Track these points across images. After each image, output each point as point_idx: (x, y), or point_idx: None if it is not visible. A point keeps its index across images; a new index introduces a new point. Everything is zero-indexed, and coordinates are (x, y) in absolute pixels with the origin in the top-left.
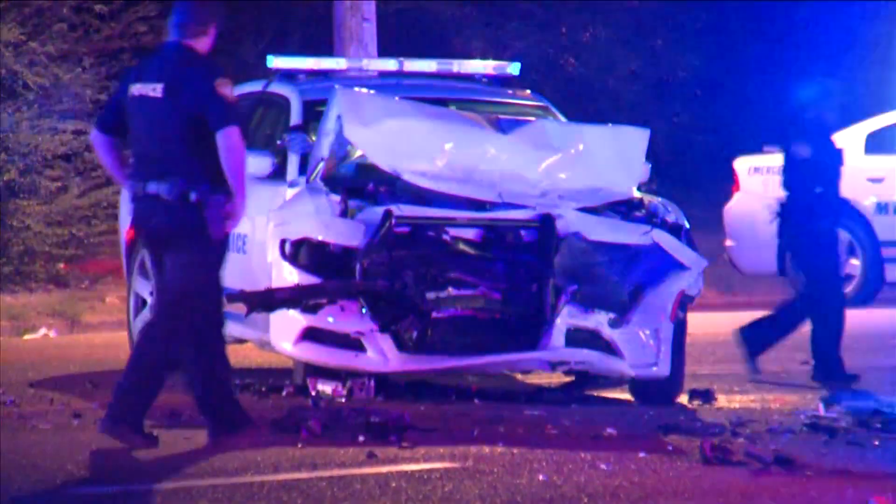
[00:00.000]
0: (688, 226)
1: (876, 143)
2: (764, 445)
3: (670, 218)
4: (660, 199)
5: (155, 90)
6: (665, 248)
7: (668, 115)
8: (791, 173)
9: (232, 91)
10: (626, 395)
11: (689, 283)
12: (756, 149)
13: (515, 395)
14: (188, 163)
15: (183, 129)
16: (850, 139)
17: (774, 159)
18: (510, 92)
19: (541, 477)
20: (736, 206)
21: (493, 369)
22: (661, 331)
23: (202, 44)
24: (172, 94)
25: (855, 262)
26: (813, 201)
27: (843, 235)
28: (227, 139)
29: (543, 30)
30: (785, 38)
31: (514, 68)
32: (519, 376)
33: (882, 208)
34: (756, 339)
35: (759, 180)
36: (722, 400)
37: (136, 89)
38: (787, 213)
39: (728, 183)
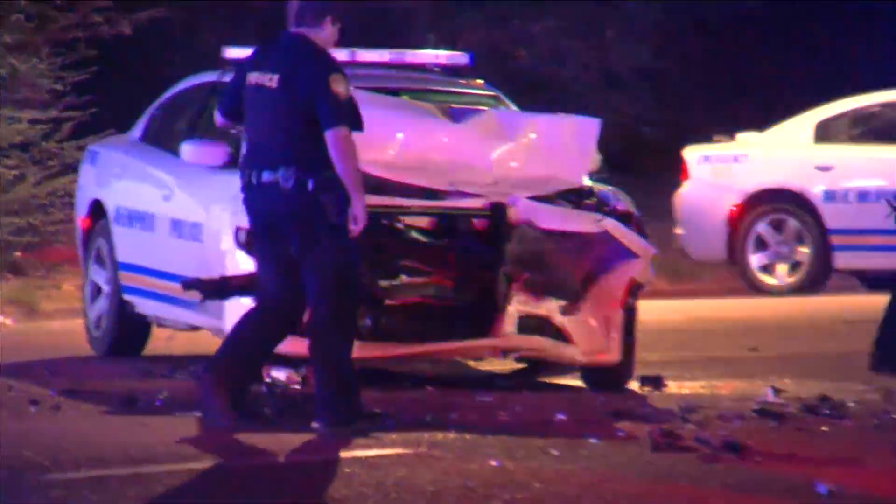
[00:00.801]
0: (638, 214)
1: (825, 132)
2: (713, 431)
3: (621, 206)
4: (610, 187)
5: (271, 80)
6: (615, 237)
7: (618, 105)
8: None
9: (347, 88)
10: (577, 382)
11: (639, 270)
12: (705, 138)
13: (467, 381)
14: (303, 152)
15: (297, 119)
16: (799, 128)
17: (723, 148)
18: (462, 82)
19: (493, 462)
20: (685, 195)
21: (446, 356)
22: (612, 318)
23: (320, 36)
24: (287, 85)
25: (803, 250)
26: None
27: (792, 223)
28: (334, 138)
29: (495, 21)
30: (732, 31)
31: (466, 58)
32: (471, 363)
33: (830, 196)
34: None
35: (708, 169)
36: (672, 386)
37: (254, 78)
38: None
39: (677, 172)
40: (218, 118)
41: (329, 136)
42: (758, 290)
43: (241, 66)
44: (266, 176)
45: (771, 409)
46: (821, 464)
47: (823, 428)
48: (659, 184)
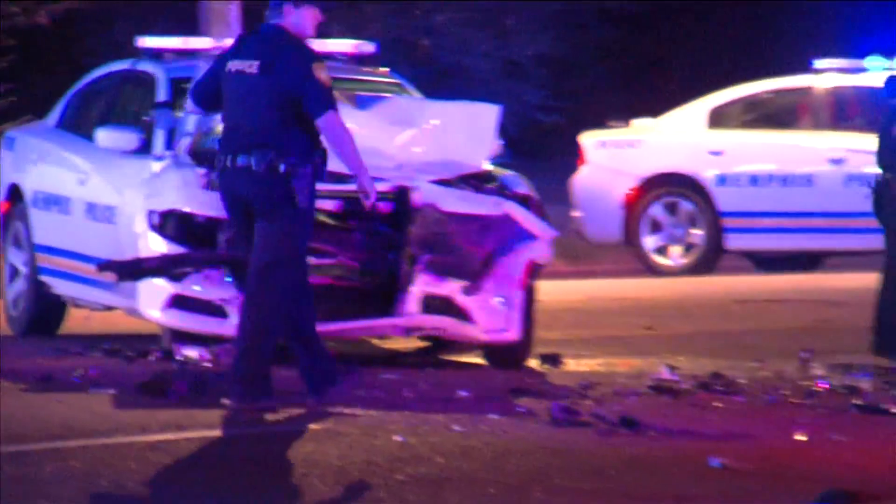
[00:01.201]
0: (537, 197)
1: (718, 118)
2: (610, 407)
3: (520, 190)
4: (510, 172)
5: (251, 67)
6: (515, 219)
7: (518, 92)
8: (887, 153)
9: (328, 75)
10: (478, 360)
11: (538, 252)
12: (602, 125)
13: (373, 359)
14: (279, 136)
15: (275, 104)
16: (693, 114)
17: (619, 134)
18: (368, 70)
19: (397, 438)
20: (582, 179)
21: (352, 335)
22: (512, 298)
23: (295, 27)
24: (267, 71)
25: (696, 232)
26: None
27: (686, 206)
28: (328, 123)
29: (399, 12)
30: (628, 20)
31: (371, 47)
32: (376, 342)
33: (722, 180)
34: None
35: (604, 154)
36: (570, 364)
37: (234, 65)
38: (883, 191)
39: (575, 157)
40: (189, 105)
41: (321, 121)
42: (652, 270)
43: (219, 57)
44: (241, 160)
45: (665, 385)
46: (714, 438)
47: (716, 404)
48: (557, 168)
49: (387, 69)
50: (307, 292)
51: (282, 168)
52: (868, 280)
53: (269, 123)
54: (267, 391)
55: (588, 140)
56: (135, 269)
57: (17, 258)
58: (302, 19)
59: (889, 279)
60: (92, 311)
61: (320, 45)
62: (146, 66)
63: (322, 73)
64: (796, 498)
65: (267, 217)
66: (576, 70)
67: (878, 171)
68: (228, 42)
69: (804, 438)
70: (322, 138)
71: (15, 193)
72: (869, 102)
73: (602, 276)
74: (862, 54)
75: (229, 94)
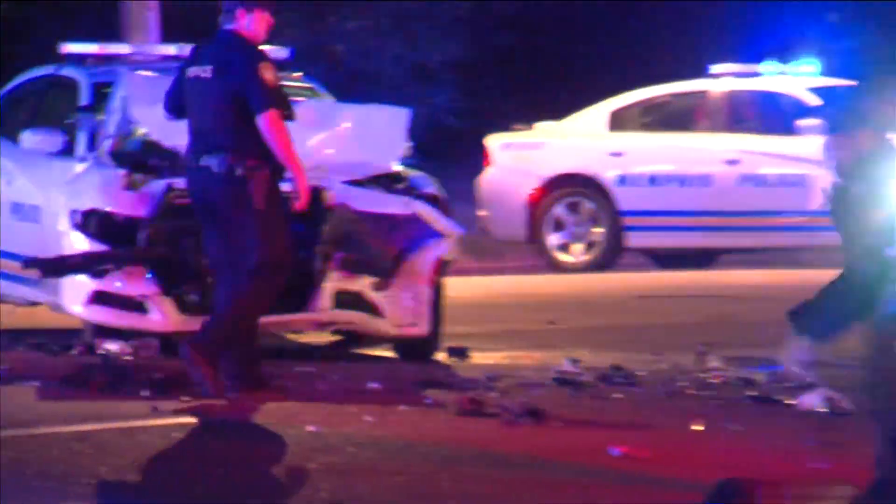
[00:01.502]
0: (445, 197)
1: (618, 121)
2: (515, 399)
3: (429, 190)
4: (419, 172)
5: (206, 71)
6: (424, 218)
7: (427, 96)
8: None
9: (274, 75)
10: (389, 353)
11: (446, 249)
12: (506, 127)
13: (288, 353)
14: (234, 139)
15: (229, 108)
16: (594, 117)
17: (523, 136)
18: (282, 75)
19: (310, 428)
20: (488, 179)
21: (268, 329)
22: (421, 293)
23: (248, 31)
24: (220, 75)
25: (598, 230)
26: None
27: (587, 205)
28: (266, 122)
29: (313, 19)
30: (533, 26)
31: (286, 52)
32: (291, 336)
33: (622, 180)
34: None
35: (509, 155)
36: (476, 357)
37: (192, 71)
38: (840, 197)
39: (481, 158)
40: (165, 114)
41: (260, 119)
42: (556, 267)
43: (182, 66)
44: (203, 160)
45: (568, 377)
46: (614, 428)
47: (616, 395)
48: (464, 169)
49: (300, 74)
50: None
51: (239, 171)
52: (760, 276)
53: (227, 126)
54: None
55: (493, 142)
56: (58, 266)
57: None
58: (254, 23)
59: (844, 276)
60: (17, 306)
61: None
62: (69, 72)
63: (268, 74)
64: (694, 485)
65: (226, 218)
66: (482, 75)
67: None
68: (148, 48)
69: (701, 428)
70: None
71: None
72: (762, 106)
73: (507, 272)
74: (756, 59)
75: (190, 99)
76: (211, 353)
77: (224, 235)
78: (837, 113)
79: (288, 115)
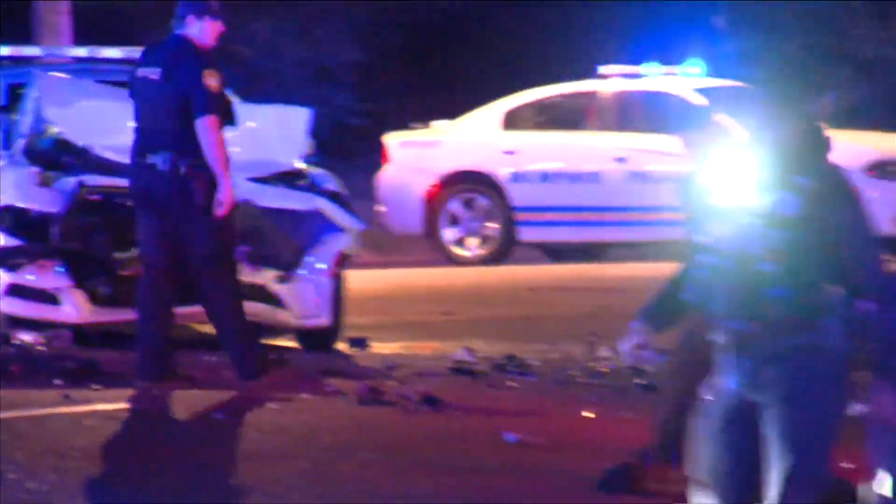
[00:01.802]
0: (345, 193)
1: (511, 120)
2: (413, 387)
3: (330, 187)
4: (321, 170)
5: (154, 73)
6: (325, 214)
7: (329, 96)
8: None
9: (218, 82)
10: (292, 343)
11: (346, 243)
12: (404, 126)
13: (196, 343)
14: (179, 139)
15: (175, 109)
16: (488, 116)
17: (420, 134)
18: None
19: (218, 416)
20: (386, 176)
21: (175, 320)
22: (323, 286)
23: (197, 37)
24: (167, 79)
25: (492, 225)
26: None
27: (482, 201)
28: (203, 126)
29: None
30: (430, 29)
31: None
32: (197, 326)
33: (515, 177)
34: None
35: (407, 153)
36: (376, 347)
37: (141, 72)
38: None
39: (379, 156)
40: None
41: (199, 123)
42: (451, 261)
43: (133, 67)
44: (149, 158)
45: (464, 367)
46: (508, 415)
47: (510, 384)
48: (364, 167)
49: None
50: (177, 275)
51: (182, 169)
52: (646, 269)
53: (172, 126)
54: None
55: (391, 140)
56: None
57: None
58: (203, 30)
59: None
60: None
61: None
62: None
63: (212, 80)
64: (585, 469)
65: (171, 215)
66: (381, 76)
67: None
68: (60, 50)
69: (592, 415)
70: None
71: None
72: (649, 106)
73: (405, 266)
74: (646, 60)
75: (138, 98)
76: (244, 349)
77: (167, 232)
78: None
79: (229, 121)
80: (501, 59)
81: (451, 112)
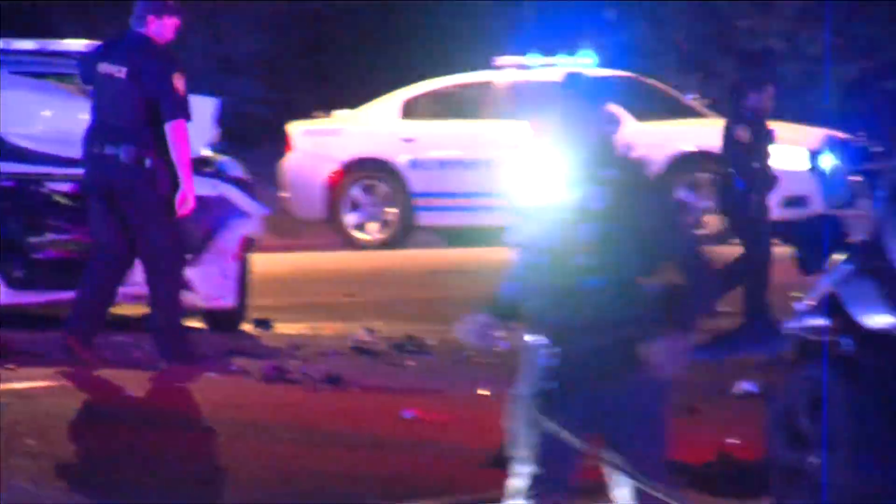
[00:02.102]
0: (250, 180)
1: (410, 109)
2: (316, 366)
3: (235, 173)
4: (226, 157)
5: (120, 72)
6: (231, 199)
7: (234, 87)
8: (733, 152)
9: (184, 84)
10: (199, 324)
11: (251, 228)
12: (305, 115)
13: (106, 324)
14: (144, 134)
15: (142, 106)
16: (388, 105)
17: (322, 123)
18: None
19: (128, 393)
20: (290, 163)
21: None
22: (228, 269)
23: (157, 35)
24: (134, 78)
25: (392, 210)
26: (751, 175)
27: (382, 187)
28: (174, 131)
29: (128, 13)
30: (333, 21)
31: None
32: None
33: (414, 164)
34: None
35: (309, 141)
36: (280, 327)
37: (104, 68)
38: (727, 185)
39: (283, 144)
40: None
41: (169, 127)
42: (353, 244)
43: (86, 59)
44: (108, 149)
45: (365, 346)
46: (407, 393)
47: (409, 363)
48: (268, 154)
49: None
50: (128, 262)
51: (148, 162)
52: None
53: (137, 121)
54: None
55: (295, 129)
56: None
57: None
58: (163, 28)
59: (741, 257)
60: None
61: (57, 44)
62: None
63: (179, 83)
64: (480, 445)
65: (135, 205)
66: (284, 66)
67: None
68: None
69: (486, 393)
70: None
71: None
72: (542, 95)
73: (308, 249)
74: (545, 52)
75: (100, 92)
76: (174, 333)
77: (120, 220)
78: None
79: (189, 117)
80: (401, 50)
81: (352, 101)
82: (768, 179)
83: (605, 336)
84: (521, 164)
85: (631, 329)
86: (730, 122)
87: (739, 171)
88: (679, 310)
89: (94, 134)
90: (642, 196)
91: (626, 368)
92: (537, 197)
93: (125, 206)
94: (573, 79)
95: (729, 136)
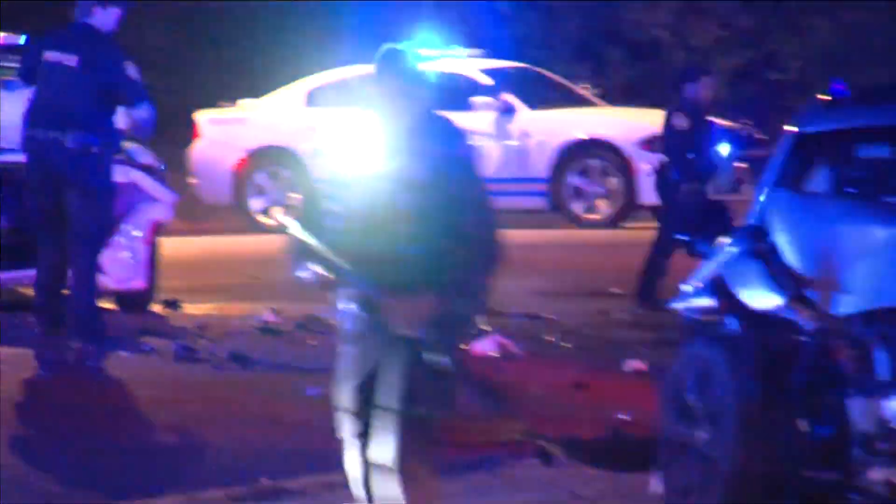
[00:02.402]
0: (160, 167)
1: (314, 99)
2: (222, 345)
3: (145, 160)
4: (136, 145)
5: (70, 60)
6: (141, 185)
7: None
8: (670, 141)
9: (136, 71)
10: (110, 305)
11: (161, 213)
12: (212, 104)
13: (20, 306)
14: (92, 120)
15: (94, 95)
16: (292, 95)
17: (228, 112)
18: (15, 58)
19: (40, 371)
20: (198, 150)
21: (6, 284)
22: (139, 252)
23: (103, 25)
24: (87, 68)
25: (295, 196)
26: (685, 165)
27: (286, 174)
28: (142, 114)
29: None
30: (237, 15)
31: (21, 39)
32: (23, 290)
33: (318, 152)
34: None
35: (216, 129)
36: (188, 308)
37: (53, 56)
38: (665, 174)
39: (191, 132)
40: (21, 83)
41: (138, 110)
42: (258, 229)
43: (32, 47)
44: (53, 134)
45: (270, 326)
46: (311, 371)
47: (312, 342)
48: (177, 141)
49: None
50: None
51: (95, 148)
52: None
53: (85, 108)
54: (104, 333)
55: (202, 117)
56: None
57: None
58: (108, 18)
59: (658, 244)
60: None
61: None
62: None
63: (131, 71)
64: None
65: (78, 189)
66: (191, 58)
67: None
68: None
69: None
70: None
71: None
72: (441, 85)
73: (215, 233)
74: (442, 45)
75: (48, 79)
76: (90, 313)
77: (60, 205)
78: None
79: (150, 101)
80: (306, 40)
81: (257, 91)
82: (704, 169)
83: (416, 302)
84: (347, 134)
85: (440, 295)
86: (669, 111)
87: (674, 159)
88: (455, 279)
89: (37, 119)
90: (458, 170)
91: (431, 335)
92: (360, 166)
93: (66, 190)
94: (391, 54)
95: (667, 124)
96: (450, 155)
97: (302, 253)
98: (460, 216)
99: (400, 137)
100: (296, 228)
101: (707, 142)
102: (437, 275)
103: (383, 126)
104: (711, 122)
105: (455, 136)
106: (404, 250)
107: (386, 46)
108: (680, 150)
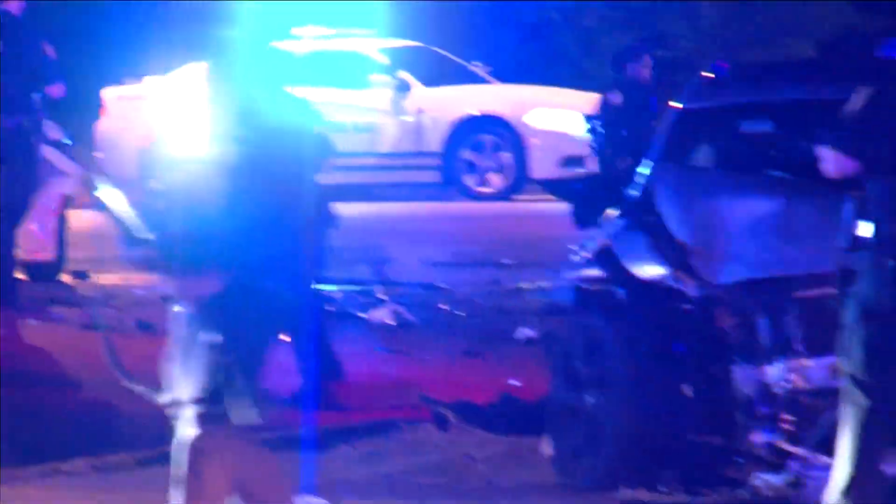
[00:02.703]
0: (70, 143)
1: None
2: (129, 314)
3: (54, 135)
4: (48, 121)
5: None
6: (50, 160)
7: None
8: (602, 116)
9: (52, 51)
10: (21, 276)
11: (69, 186)
12: (117, 82)
13: None
14: (20, 101)
15: (19, 76)
16: (196, 71)
17: (133, 90)
18: None
19: None
20: (104, 126)
21: None
22: (48, 224)
23: (13, 7)
24: (8, 46)
25: None
26: (617, 140)
27: None
28: (56, 93)
29: None
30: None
31: None
32: None
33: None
34: None
35: (122, 105)
36: (95, 278)
37: None
38: (594, 150)
39: (98, 107)
40: None
41: (52, 89)
42: None
43: None
44: None
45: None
46: None
47: None
48: (84, 117)
49: None
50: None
51: (25, 126)
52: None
53: (16, 90)
54: None
55: (109, 94)
56: None
57: None
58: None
59: None
60: None
61: None
62: None
63: (49, 50)
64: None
65: (6, 166)
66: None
67: None
68: None
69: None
70: None
71: None
72: (341, 64)
73: None
74: (341, 23)
75: None
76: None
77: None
78: None
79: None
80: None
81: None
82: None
83: (230, 287)
84: (176, 117)
85: (250, 273)
86: (608, 88)
87: (607, 134)
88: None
89: None
90: (266, 160)
91: (249, 318)
92: (182, 148)
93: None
94: (217, 41)
95: (603, 101)
96: (261, 145)
97: (127, 232)
98: (274, 198)
99: (222, 124)
100: (115, 203)
101: (645, 120)
102: (236, 254)
103: (210, 111)
104: (652, 98)
105: (271, 126)
106: (215, 237)
107: (216, 33)
108: (614, 126)
